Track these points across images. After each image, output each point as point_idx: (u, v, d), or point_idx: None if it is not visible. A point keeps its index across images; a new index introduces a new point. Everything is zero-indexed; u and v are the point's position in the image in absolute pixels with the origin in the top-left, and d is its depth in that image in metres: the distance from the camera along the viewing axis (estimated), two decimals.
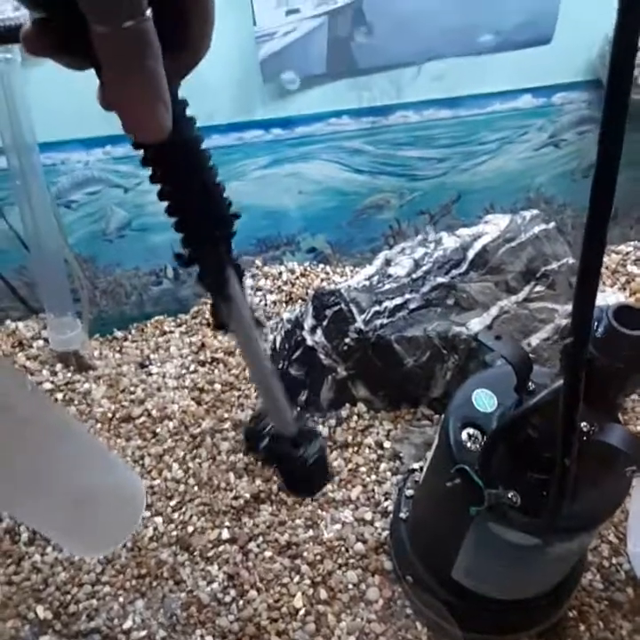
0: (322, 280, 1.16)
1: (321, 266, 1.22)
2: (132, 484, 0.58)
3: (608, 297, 0.88)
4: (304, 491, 0.78)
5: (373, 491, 0.86)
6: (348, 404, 0.94)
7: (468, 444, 0.60)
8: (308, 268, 1.19)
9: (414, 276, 0.89)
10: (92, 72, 0.34)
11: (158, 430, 0.94)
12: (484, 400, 0.62)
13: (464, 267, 0.86)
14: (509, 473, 0.57)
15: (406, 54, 1.06)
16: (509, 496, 0.55)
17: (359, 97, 1.10)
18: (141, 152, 0.42)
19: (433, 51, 1.06)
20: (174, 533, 0.85)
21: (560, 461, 0.47)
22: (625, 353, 0.55)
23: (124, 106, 0.33)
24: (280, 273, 1.17)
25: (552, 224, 0.89)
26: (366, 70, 1.07)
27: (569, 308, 0.89)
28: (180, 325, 1.14)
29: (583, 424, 0.53)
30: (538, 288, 0.85)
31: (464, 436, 0.60)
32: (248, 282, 1.16)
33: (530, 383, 0.57)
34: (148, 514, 0.86)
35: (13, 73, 0.82)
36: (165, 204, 0.46)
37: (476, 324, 0.84)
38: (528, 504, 0.55)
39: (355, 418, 0.93)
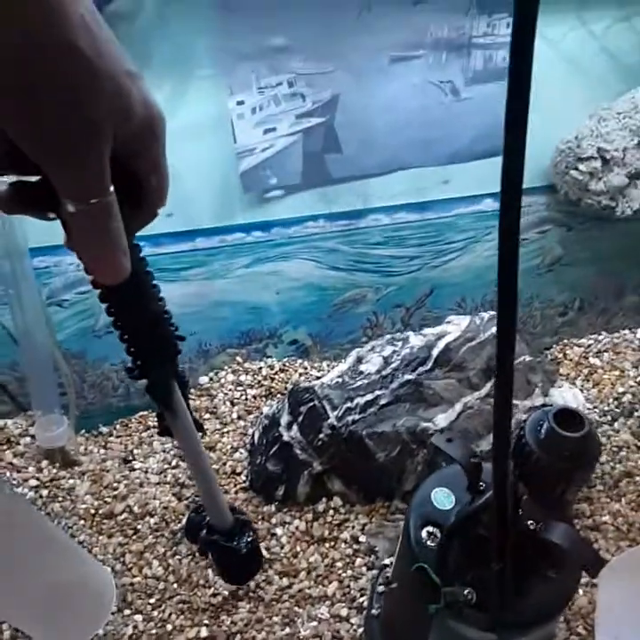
0: (300, 375, 1.21)
1: (299, 361, 1.27)
2: (101, 579, 0.61)
3: (564, 393, 0.93)
4: (236, 579, 0.84)
5: (349, 586, 0.88)
6: (324, 499, 0.97)
7: (428, 542, 0.63)
8: (287, 363, 1.24)
9: (384, 372, 0.94)
10: None
11: (139, 527, 0.96)
12: (443, 498, 0.66)
13: (429, 364, 0.92)
14: (465, 570, 0.60)
15: (375, 165, 1.16)
16: (465, 593, 0.58)
17: (333, 203, 1.19)
18: (97, 289, 0.48)
19: (399, 162, 1.16)
20: (154, 631, 0.86)
21: (495, 558, 0.50)
22: (567, 453, 0.60)
23: (89, 257, 0.38)
24: (260, 368, 1.22)
25: None
26: (339, 180, 1.16)
27: (527, 402, 0.94)
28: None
29: (530, 522, 0.57)
30: None
31: (424, 534, 0.64)
32: (229, 377, 1.21)
33: (481, 483, 0.61)
34: (128, 612, 0.88)
35: None
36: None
37: (442, 419, 0.88)
38: (483, 600, 0.58)
39: (331, 512, 0.96)
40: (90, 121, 0.31)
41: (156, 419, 1.17)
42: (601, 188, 1.14)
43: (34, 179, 0.35)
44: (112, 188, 0.35)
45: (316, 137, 1.12)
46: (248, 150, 1.10)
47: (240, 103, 1.06)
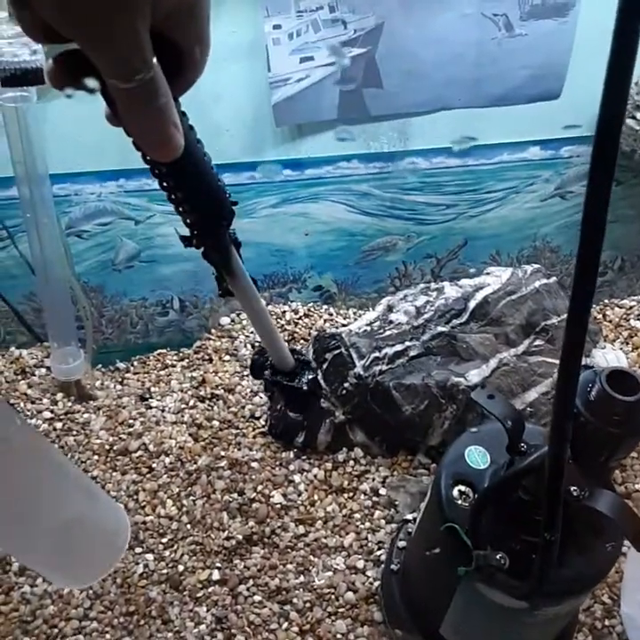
0: (325, 321, 1.16)
1: (325, 307, 1.23)
2: (116, 517, 0.59)
3: (607, 354, 0.88)
4: (298, 410, 0.91)
5: (367, 538, 0.86)
6: (345, 448, 0.94)
7: (459, 502, 0.60)
8: (312, 309, 1.20)
9: (415, 323, 0.89)
10: None
11: (154, 465, 0.94)
12: (477, 457, 0.62)
13: (465, 317, 0.87)
14: (499, 534, 0.56)
15: (417, 103, 1.08)
16: (497, 558, 0.55)
17: (369, 143, 1.12)
18: (149, 165, 0.47)
19: (443, 101, 1.08)
20: (165, 571, 0.85)
21: (545, 529, 0.47)
22: (617, 418, 0.56)
23: (140, 134, 0.37)
24: (284, 312, 1.18)
25: (553, 279, 0.90)
26: (377, 117, 1.09)
27: None
28: (182, 359, 1.15)
29: (573, 488, 0.53)
30: (537, 342, 0.85)
31: (455, 492, 0.60)
32: None
33: (522, 444, 0.57)
34: (139, 550, 0.86)
35: (28, 109, 0.84)
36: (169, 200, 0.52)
37: (474, 375, 0.84)
38: (516, 567, 0.54)
39: (351, 462, 0.93)
40: None
41: (177, 357, 1.16)
42: None
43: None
44: (155, 61, 0.32)
45: (356, 69, 1.04)
46: (282, 80, 1.03)
47: (277, 27, 0.99)
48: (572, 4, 1.02)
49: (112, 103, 0.35)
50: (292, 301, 1.26)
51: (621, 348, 1.06)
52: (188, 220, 0.55)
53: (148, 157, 0.45)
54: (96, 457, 0.96)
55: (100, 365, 1.15)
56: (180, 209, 0.53)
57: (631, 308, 1.16)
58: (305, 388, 0.82)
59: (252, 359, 0.85)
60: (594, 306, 1.20)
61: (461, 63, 1.05)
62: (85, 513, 0.55)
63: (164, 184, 0.50)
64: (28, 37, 0.31)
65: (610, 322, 1.13)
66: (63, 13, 0.28)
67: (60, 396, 1.05)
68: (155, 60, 0.32)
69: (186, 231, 0.58)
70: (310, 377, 0.83)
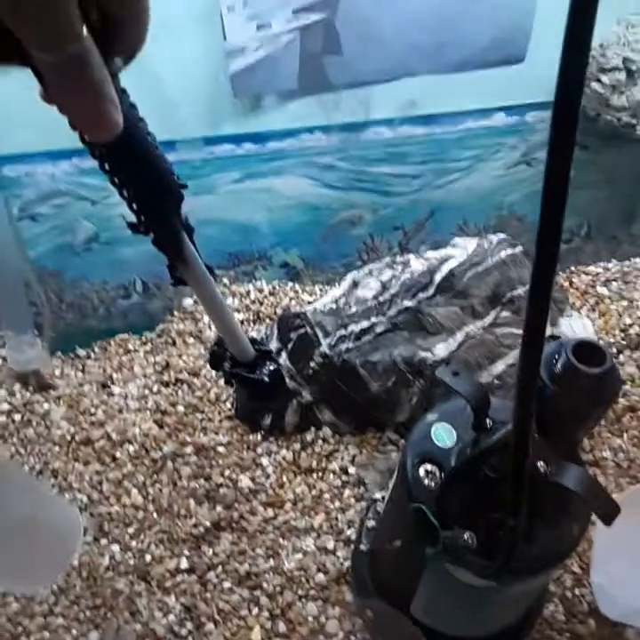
0: (290, 299, 1.14)
1: (290, 285, 1.20)
2: (68, 516, 0.57)
3: (574, 322, 0.87)
4: (260, 402, 0.88)
5: (336, 518, 0.85)
6: (313, 428, 0.92)
7: (426, 481, 0.58)
8: (277, 287, 1.17)
9: (381, 298, 0.87)
10: None
11: (118, 454, 0.92)
12: (443, 435, 0.61)
13: (431, 290, 0.85)
14: (467, 513, 0.55)
15: (379, 71, 1.05)
16: (465, 537, 0.53)
17: (331, 113, 1.08)
18: (87, 146, 0.43)
19: (405, 68, 1.05)
20: (131, 562, 0.82)
21: (511, 510, 0.45)
22: (585, 389, 0.54)
23: (74, 112, 0.34)
24: (248, 291, 1.15)
25: (519, 248, 0.88)
26: (339, 86, 1.06)
27: None
28: (144, 344, 1.11)
29: (540, 464, 0.52)
30: (504, 313, 0.83)
31: (422, 472, 0.59)
32: None
33: (488, 420, 0.55)
34: (105, 542, 0.84)
35: None
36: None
37: (441, 349, 0.82)
38: (485, 546, 0.53)
39: (320, 442, 0.91)
40: None
41: (140, 341, 1.12)
42: (622, 104, 1.04)
43: None
44: (86, 33, 0.30)
45: (316, 36, 1.00)
46: (239, 49, 0.99)
47: None
48: None
49: (43, 79, 0.32)
50: (258, 279, 1.23)
51: (588, 316, 1.06)
52: (134, 206, 0.52)
53: (85, 138, 0.42)
54: (57, 448, 0.93)
55: (59, 353, 1.12)
56: (124, 193, 0.50)
57: (597, 274, 1.15)
58: (266, 379, 0.80)
59: (211, 350, 0.82)
60: (560, 273, 1.19)
61: (423, 28, 1.02)
62: (36, 516, 0.52)
63: (105, 167, 0.47)
64: None
65: (576, 289, 1.12)
66: None
67: (17, 386, 1.01)
68: (85, 30, 0.30)
69: (132, 217, 0.55)
70: (271, 368, 0.81)
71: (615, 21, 1.04)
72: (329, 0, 0.97)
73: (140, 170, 0.48)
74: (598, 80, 1.03)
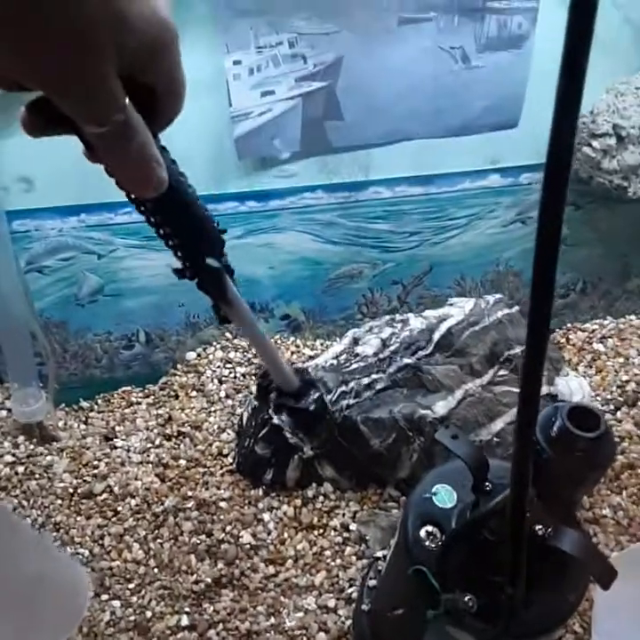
0: (291, 353, 1.16)
1: (291, 339, 1.22)
2: (75, 574, 0.57)
3: (571, 382, 0.88)
4: (306, 432, 0.87)
5: (338, 576, 0.85)
6: (314, 484, 0.92)
7: (427, 543, 0.59)
8: (279, 341, 1.19)
9: (381, 355, 0.89)
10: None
11: (120, 508, 0.92)
12: (444, 496, 0.62)
13: (430, 348, 0.87)
14: (467, 576, 0.56)
15: (378, 135, 1.09)
16: (466, 600, 0.54)
17: (332, 174, 1.12)
18: (133, 202, 0.46)
19: (403, 132, 1.09)
20: (132, 618, 0.82)
21: (509, 578, 0.46)
22: (580, 453, 0.56)
23: (123, 174, 0.37)
24: (250, 345, 1.17)
25: (515, 308, 0.91)
26: (339, 149, 1.10)
27: None
28: (147, 396, 1.13)
29: (538, 527, 0.53)
30: (502, 372, 0.85)
31: (422, 533, 0.60)
32: (218, 353, 1.16)
33: (487, 483, 0.57)
34: (105, 597, 0.84)
35: None
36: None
37: (441, 406, 0.84)
38: (485, 609, 0.54)
39: (321, 498, 0.92)
40: (82, 34, 0.27)
41: (142, 394, 1.14)
42: (614, 167, 1.08)
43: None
44: (128, 102, 0.32)
45: (317, 102, 1.05)
46: (244, 114, 1.03)
47: (237, 63, 0.99)
48: (527, 36, 1.05)
49: (89, 144, 0.35)
50: None
51: (585, 372, 1.08)
52: (179, 253, 0.55)
53: (132, 195, 0.44)
54: (59, 501, 0.93)
55: (63, 404, 1.13)
56: (170, 243, 0.53)
57: (594, 331, 1.17)
58: (311, 408, 0.81)
59: (257, 383, 0.85)
60: (557, 330, 1.21)
61: (420, 95, 1.06)
62: (43, 572, 0.53)
63: (151, 220, 0.50)
64: None
65: (573, 345, 1.15)
66: (22, 64, 0.27)
67: (21, 438, 1.02)
68: (127, 100, 0.32)
69: (178, 264, 0.58)
70: (316, 396, 0.82)
71: (605, 90, 1.09)
72: (330, 69, 1.02)
73: (183, 220, 0.51)
74: (589, 145, 1.07)
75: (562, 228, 0.33)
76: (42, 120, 0.34)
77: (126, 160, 0.35)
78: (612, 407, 1.03)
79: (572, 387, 0.87)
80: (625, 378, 1.06)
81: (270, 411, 0.89)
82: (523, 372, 0.37)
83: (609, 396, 1.04)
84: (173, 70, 0.36)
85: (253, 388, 1.04)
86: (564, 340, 1.17)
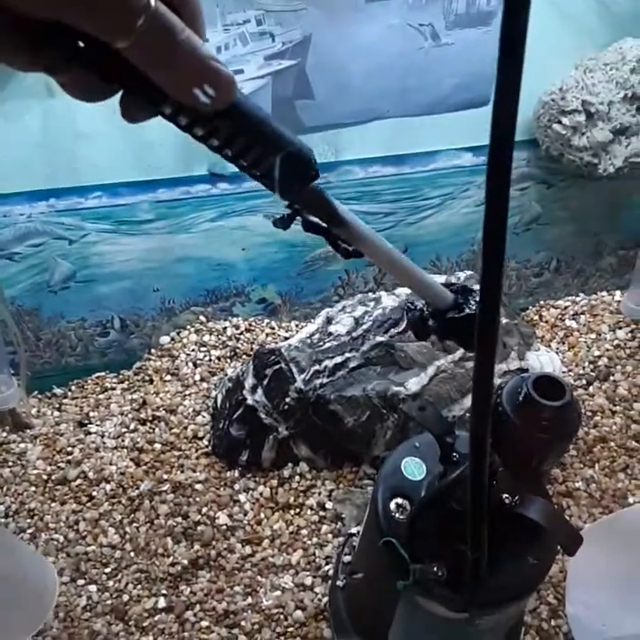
0: (267, 335, 1.15)
1: (266, 321, 1.22)
2: (43, 572, 0.56)
3: (541, 356, 0.89)
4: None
5: (314, 554, 0.85)
6: (290, 464, 0.93)
7: (397, 515, 0.59)
8: (253, 323, 1.19)
9: (354, 334, 0.89)
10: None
11: (95, 493, 0.92)
12: (413, 468, 0.62)
13: (402, 326, 0.87)
14: (436, 546, 0.56)
15: (349, 114, 1.09)
16: (434, 570, 0.54)
17: None
18: (202, 131, 0.38)
19: (374, 111, 1.09)
20: (109, 602, 0.82)
21: (471, 545, 0.47)
22: (545, 422, 0.56)
23: (185, 84, 0.31)
24: (225, 328, 1.16)
25: None
26: (310, 128, 1.09)
27: (503, 366, 0.90)
28: (121, 382, 1.12)
29: (505, 496, 0.54)
30: None
31: (393, 506, 0.60)
32: (192, 337, 1.15)
33: (454, 454, 0.57)
34: (82, 582, 0.83)
35: None
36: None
37: (413, 383, 0.84)
38: (454, 578, 0.54)
39: (297, 478, 0.92)
40: None
41: (117, 379, 1.12)
42: (584, 144, 1.08)
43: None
44: (155, 1, 0.28)
45: (287, 81, 1.04)
46: None
47: (204, 41, 0.98)
48: (496, 13, 1.04)
49: (125, 86, 0.31)
50: (235, 315, 1.25)
51: (558, 348, 1.09)
52: (274, 181, 0.43)
53: (209, 126, 0.36)
54: (33, 488, 0.93)
55: (36, 392, 1.12)
56: (255, 173, 0.43)
57: (566, 307, 1.18)
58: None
59: (408, 318, 0.75)
60: (530, 307, 1.22)
61: (390, 74, 1.06)
62: (10, 571, 0.52)
63: (229, 152, 0.40)
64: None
65: (546, 322, 1.15)
66: None
67: None
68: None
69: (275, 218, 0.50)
70: (477, 298, 0.73)
71: (574, 66, 1.09)
72: (299, 47, 1.01)
73: (269, 133, 0.41)
74: (559, 122, 1.07)
75: (508, 209, 0.33)
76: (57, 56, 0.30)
77: (178, 65, 0.30)
78: (584, 382, 1.04)
79: (543, 361, 0.88)
80: (597, 353, 1.07)
81: (244, 391, 0.89)
82: (477, 337, 0.38)
83: (581, 371, 1.05)
84: None
85: (228, 371, 1.03)
86: (537, 317, 1.18)
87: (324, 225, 0.48)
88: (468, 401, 0.84)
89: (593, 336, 1.11)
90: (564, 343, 1.10)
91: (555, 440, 0.58)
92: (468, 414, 0.84)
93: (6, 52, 0.29)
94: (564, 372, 1.02)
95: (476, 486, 0.44)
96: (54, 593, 0.54)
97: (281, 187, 0.43)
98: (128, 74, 0.30)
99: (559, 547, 0.52)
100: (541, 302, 1.22)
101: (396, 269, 0.56)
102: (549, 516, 0.51)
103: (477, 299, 0.71)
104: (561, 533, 0.51)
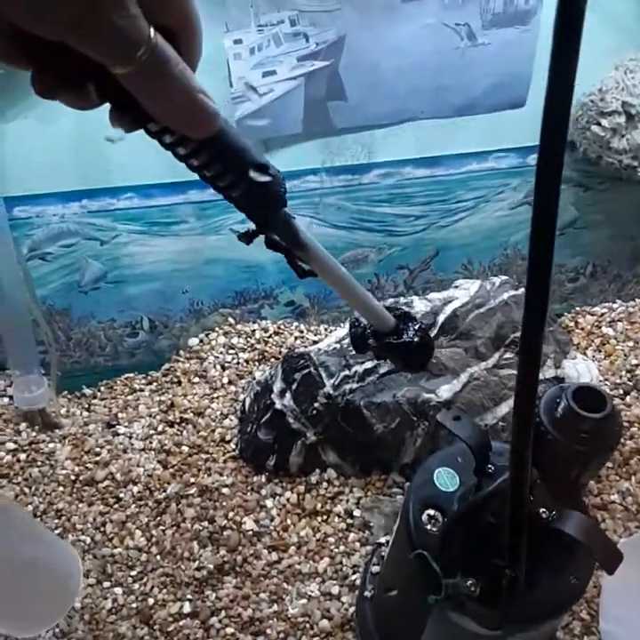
0: (296, 338, 1.14)
1: (295, 324, 1.21)
2: (68, 560, 0.56)
3: (578, 365, 0.86)
4: (418, 368, 0.75)
5: (341, 563, 0.84)
6: (317, 470, 0.91)
7: (429, 527, 0.58)
8: (282, 326, 1.18)
9: None
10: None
11: (122, 495, 0.91)
12: (446, 479, 0.61)
13: (434, 331, 0.85)
14: (469, 559, 0.54)
15: (382, 115, 1.07)
16: (467, 585, 0.53)
17: (335, 156, 1.10)
18: (184, 151, 0.41)
19: (408, 112, 1.07)
20: (134, 605, 0.82)
21: (509, 562, 0.45)
22: (585, 435, 0.54)
23: (173, 114, 0.33)
24: (253, 331, 1.15)
25: (521, 290, 0.89)
26: (343, 130, 1.08)
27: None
28: (150, 383, 1.12)
29: (542, 510, 0.52)
30: (507, 355, 0.84)
31: (425, 517, 0.59)
32: (220, 339, 1.14)
33: (489, 465, 0.55)
34: (107, 584, 0.83)
35: None
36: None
37: (445, 390, 0.82)
38: (488, 593, 0.52)
39: (324, 484, 0.91)
40: None
41: (145, 380, 1.13)
42: (623, 146, 1.05)
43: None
44: (155, 33, 0.30)
45: (320, 82, 1.03)
46: (245, 95, 1.01)
47: (237, 42, 0.97)
48: (534, 12, 1.02)
49: (115, 103, 0.33)
50: (264, 318, 1.24)
51: (594, 356, 1.06)
52: (239, 202, 0.46)
53: (185, 151, 0.39)
54: (61, 488, 0.93)
55: (65, 392, 1.12)
56: (230, 196, 0.46)
57: (603, 314, 1.15)
58: (416, 340, 0.71)
59: (351, 333, 0.79)
60: (566, 314, 1.19)
61: (425, 74, 1.04)
62: (36, 559, 0.52)
63: (205, 173, 0.43)
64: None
65: (582, 329, 1.12)
66: (37, 6, 0.26)
67: (23, 425, 1.01)
68: (153, 31, 0.30)
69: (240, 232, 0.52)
70: (417, 326, 0.72)
71: (613, 67, 1.06)
72: (333, 48, 1.00)
73: (244, 164, 0.44)
74: (598, 123, 1.05)
75: (557, 210, 0.32)
76: (57, 78, 0.32)
77: (168, 94, 0.32)
78: (621, 391, 1.01)
79: (580, 370, 0.85)
80: (634, 362, 1.04)
81: (273, 395, 0.88)
82: (521, 349, 0.36)
83: (618, 381, 1.02)
84: (188, 11, 0.33)
85: (257, 374, 1.03)
86: (572, 324, 1.15)
87: (285, 245, 0.50)
88: (500, 410, 0.82)
89: (630, 344, 1.08)
90: (600, 351, 1.07)
91: (594, 453, 0.56)
92: (500, 423, 0.83)
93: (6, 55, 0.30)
94: (600, 381, 0.99)
95: (517, 501, 0.42)
96: (79, 580, 0.54)
97: (252, 211, 0.46)
98: (120, 94, 0.32)
99: (597, 562, 0.50)
100: (577, 309, 1.19)
101: (346, 291, 0.60)
102: (588, 532, 0.49)
103: (417, 327, 0.74)
104: (600, 550, 0.49)
